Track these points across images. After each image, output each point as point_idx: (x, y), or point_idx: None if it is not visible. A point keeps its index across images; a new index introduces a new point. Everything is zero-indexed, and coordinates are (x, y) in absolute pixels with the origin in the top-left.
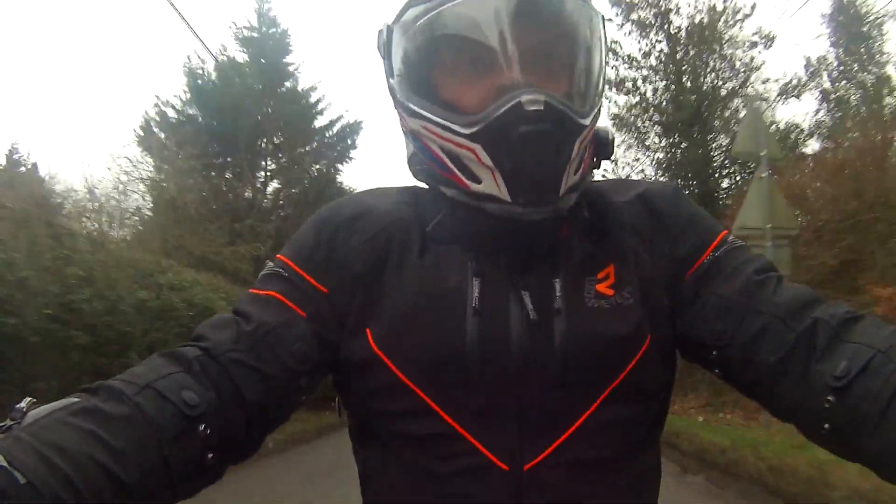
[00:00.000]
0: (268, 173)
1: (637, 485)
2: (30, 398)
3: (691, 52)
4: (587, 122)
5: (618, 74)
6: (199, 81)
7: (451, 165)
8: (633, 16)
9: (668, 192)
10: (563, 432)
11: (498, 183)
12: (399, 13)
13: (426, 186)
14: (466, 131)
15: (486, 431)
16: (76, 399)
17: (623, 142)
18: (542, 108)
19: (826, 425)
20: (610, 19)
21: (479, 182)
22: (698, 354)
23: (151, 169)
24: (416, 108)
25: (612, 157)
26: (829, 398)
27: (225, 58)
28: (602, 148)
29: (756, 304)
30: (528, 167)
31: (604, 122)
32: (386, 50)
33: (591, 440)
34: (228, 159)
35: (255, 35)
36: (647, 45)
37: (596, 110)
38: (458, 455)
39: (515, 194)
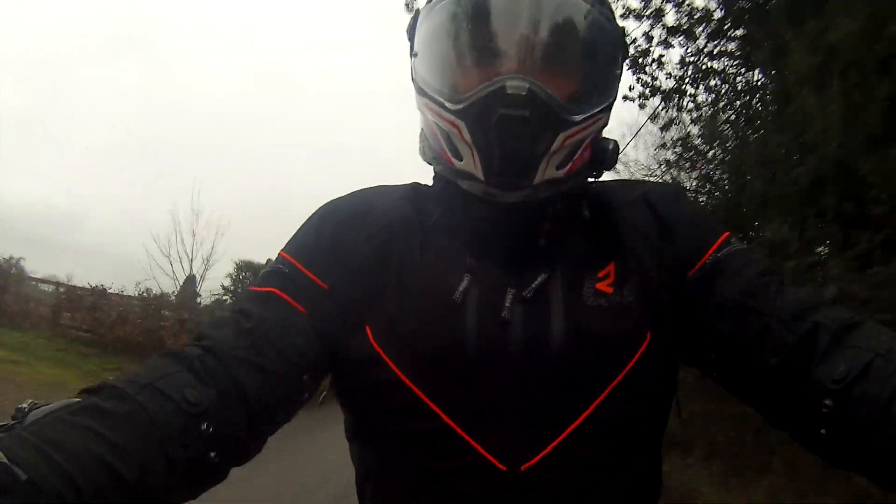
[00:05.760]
0: None
1: (637, 486)
2: (31, 400)
3: None
4: (577, 118)
5: None
6: None
7: (441, 141)
8: None
9: (670, 192)
10: (562, 431)
11: (475, 161)
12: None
13: (427, 184)
14: (453, 108)
15: (483, 430)
16: (77, 399)
17: None
18: (523, 93)
19: (823, 430)
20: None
21: (461, 159)
22: (698, 357)
23: None
24: (421, 86)
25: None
26: (826, 402)
27: None
28: (601, 155)
29: (758, 305)
30: (503, 149)
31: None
32: (412, 31)
33: (590, 440)
34: None
35: None
36: None
37: (593, 112)
38: (456, 454)
39: (488, 173)
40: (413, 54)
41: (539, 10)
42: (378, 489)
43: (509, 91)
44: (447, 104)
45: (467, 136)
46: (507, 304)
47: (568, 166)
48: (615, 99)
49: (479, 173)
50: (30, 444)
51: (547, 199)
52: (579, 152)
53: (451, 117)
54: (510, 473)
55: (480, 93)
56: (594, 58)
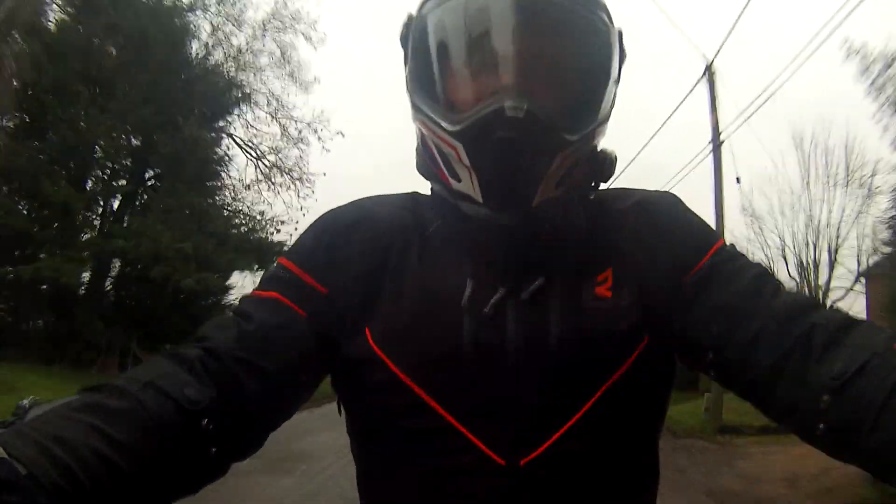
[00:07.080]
0: None
1: (634, 483)
2: (32, 396)
3: None
4: (574, 137)
5: None
6: None
7: (439, 161)
8: None
9: (666, 200)
10: (560, 427)
11: (473, 183)
12: (420, 4)
13: (426, 193)
14: (451, 129)
15: (483, 427)
16: (78, 396)
17: None
18: (522, 115)
19: (822, 425)
20: None
21: (459, 181)
22: (695, 357)
23: None
24: (417, 103)
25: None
26: (825, 398)
27: None
28: (599, 169)
29: (753, 307)
30: (501, 171)
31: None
32: (405, 40)
33: (588, 437)
34: None
35: None
36: None
37: (591, 129)
38: (456, 451)
39: (487, 196)
40: (407, 66)
41: (535, 23)
42: (380, 486)
43: (508, 113)
44: (444, 124)
45: (465, 159)
46: (505, 307)
47: (567, 183)
48: (612, 110)
49: (478, 196)
50: (30, 439)
51: (546, 216)
52: (578, 168)
53: (448, 138)
54: (510, 468)
55: (478, 114)
56: (593, 72)
